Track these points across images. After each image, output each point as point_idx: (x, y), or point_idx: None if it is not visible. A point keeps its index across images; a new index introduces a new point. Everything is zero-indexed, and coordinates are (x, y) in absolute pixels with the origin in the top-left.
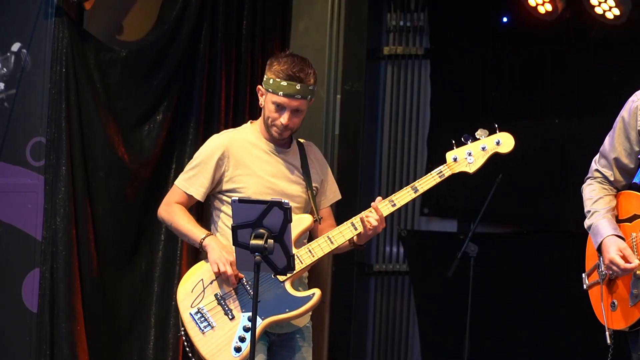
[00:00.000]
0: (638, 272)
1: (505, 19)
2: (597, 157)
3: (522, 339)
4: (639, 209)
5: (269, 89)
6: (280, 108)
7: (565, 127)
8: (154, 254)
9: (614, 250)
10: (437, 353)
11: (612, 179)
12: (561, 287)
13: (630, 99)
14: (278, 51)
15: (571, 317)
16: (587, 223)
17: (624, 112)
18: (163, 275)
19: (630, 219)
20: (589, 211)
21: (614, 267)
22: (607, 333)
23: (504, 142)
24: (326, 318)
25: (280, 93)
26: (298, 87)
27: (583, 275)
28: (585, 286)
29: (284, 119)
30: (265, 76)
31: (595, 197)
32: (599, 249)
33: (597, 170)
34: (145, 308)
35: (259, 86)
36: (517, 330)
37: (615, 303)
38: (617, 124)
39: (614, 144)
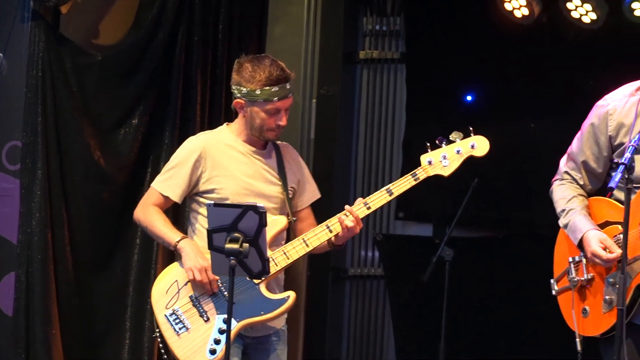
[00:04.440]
0: (611, 279)
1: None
2: (564, 159)
3: (497, 343)
4: (610, 215)
5: (258, 99)
6: (275, 112)
7: (541, 131)
8: (129, 257)
9: (595, 242)
10: (412, 357)
11: (581, 182)
12: (537, 291)
13: (599, 103)
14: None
15: (547, 322)
16: (563, 222)
17: (594, 117)
18: (138, 279)
19: (602, 226)
20: (563, 210)
21: (597, 260)
22: (577, 339)
23: (479, 145)
24: (301, 322)
25: (275, 99)
26: (288, 86)
27: (552, 280)
28: (554, 292)
29: (282, 120)
30: (243, 89)
31: (568, 196)
32: (580, 245)
33: (566, 172)
34: (120, 311)
35: (238, 100)
36: (492, 335)
37: (587, 309)
38: (586, 127)
39: (582, 148)
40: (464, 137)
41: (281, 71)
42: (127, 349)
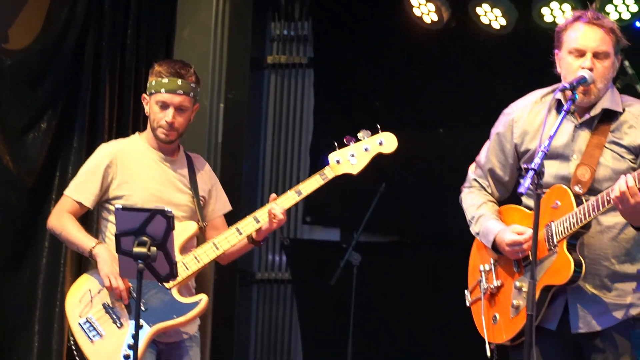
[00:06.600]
0: (518, 283)
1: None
2: (473, 166)
3: (404, 348)
4: (522, 222)
5: (152, 91)
6: (164, 107)
7: (450, 137)
8: (38, 261)
9: (509, 234)
10: None
11: (489, 190)
12: (445, 297)
13: (505, 111)
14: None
15: (455, 328)
16: (474, 230)
17: (500, 126)
18: (47, 282)
19: None
20: (473, 217)
21: (516, 247)
22: (487, 347)
23: (387, 141)
24: (209, 326)
25: (163, 90)
26: (179, 82)
27: (466, 291)
28: (468, 303)
29: (168, 116)
30: (148, 83)
31: (477, 202)
32: (494, 247)
33: (474, 179)
34: (29, 314)
35: (144, 95)
36: (399, 339)
37: (497, 316)
38: (493, 136)
39: (489, 156)
40: (372, 135)
41: (180, 67)
42: (36, 352)
